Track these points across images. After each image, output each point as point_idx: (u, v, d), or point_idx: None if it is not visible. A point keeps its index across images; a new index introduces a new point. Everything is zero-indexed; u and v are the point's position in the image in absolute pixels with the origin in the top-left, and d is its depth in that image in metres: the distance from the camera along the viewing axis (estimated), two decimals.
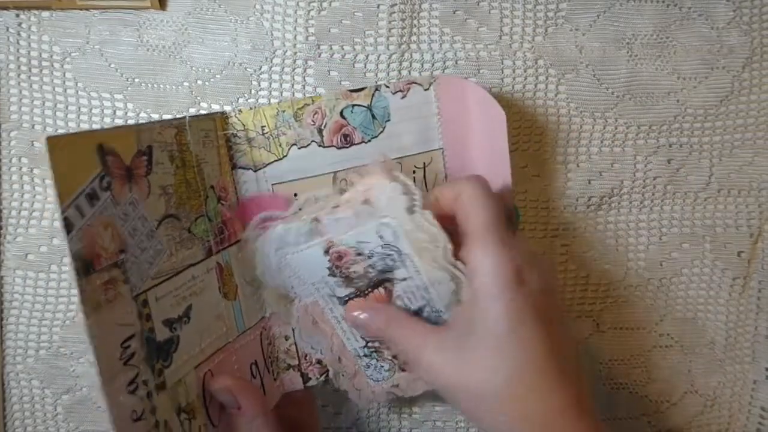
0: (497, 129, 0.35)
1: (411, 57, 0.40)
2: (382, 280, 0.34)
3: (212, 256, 0.32)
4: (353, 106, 0.36)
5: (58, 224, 0.41)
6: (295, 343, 0.37)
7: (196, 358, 0.29)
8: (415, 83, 0.36)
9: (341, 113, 0.35)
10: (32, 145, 0.40)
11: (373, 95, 0.36)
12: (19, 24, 0.40)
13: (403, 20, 0.39)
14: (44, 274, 0.41)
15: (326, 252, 0.34)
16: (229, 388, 0.31)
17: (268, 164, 0.35)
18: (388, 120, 0.36)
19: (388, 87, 0.36)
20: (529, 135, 0.41)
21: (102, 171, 0.24)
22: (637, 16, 0.40)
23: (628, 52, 0.40)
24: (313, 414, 0.39)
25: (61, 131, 0.40)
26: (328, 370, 0.38)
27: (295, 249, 0.34)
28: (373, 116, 0.36)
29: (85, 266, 0.23)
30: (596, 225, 0.42)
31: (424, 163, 0.36)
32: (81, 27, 0.40)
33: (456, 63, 0.40)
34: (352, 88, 0.36)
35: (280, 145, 0.35)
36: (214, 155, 0.33)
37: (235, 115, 0.35)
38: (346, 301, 0.35)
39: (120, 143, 0.26)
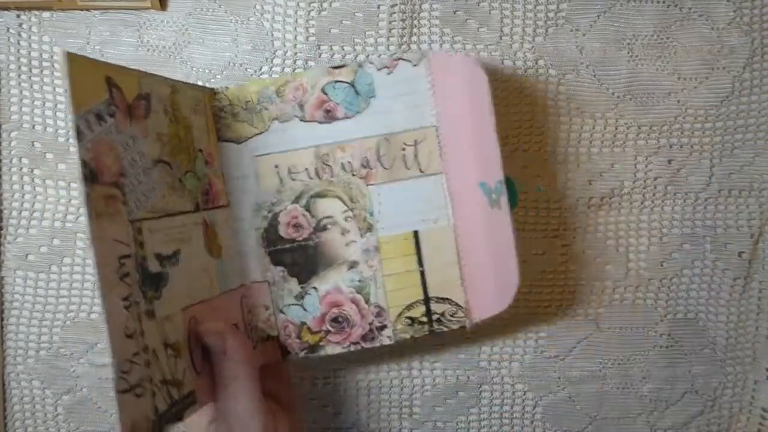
0: (482, 96, 0.34)
1: None
2: None
3: (200, 211, 0.34)
4: (336, 82, 0.36)
5: (58, 224, 0.41)
6: (274, 314, 0.37)
7: (184, 301, 0.31)
8: (403, 59, 0.36)
9: (323, 89, 0.36)
10: (32, 145, 0.40)
11: (356, 72, 0.36)
12: (20, 24, 0.40)
13: (403, 20, 0.39)
14: (44, 274, 0.41)
15: None
16: (220, 330, 0.32)
17: (250, 137, 0.36)
18: (373, 96, 0.36)
19: (372, 63, 0.36)
20: (529, 135, 0.41)
21: (108, 99, 0.28)
22: (638, 17, 0.40)
23: (628, 53, 0.40)
24: (289, 389, 0.39)
25: (61, 131, 0.40)
26: (309, 346, 0.37)
27: None
28: (357, 92, 0.36)
29: (91, 174, 0.26)
30: (596, 225, 0.42)
31: (416, 141, 0.36)
32: (82, 27, 0.40)
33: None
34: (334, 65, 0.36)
35: (262, 120, 0.36)
36: (202, 123, 0.35)
37: (222, 92, 0.36)
38: None
39: (124, 81, 0.29)
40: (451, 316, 0.37)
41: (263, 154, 0.37)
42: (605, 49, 0.40)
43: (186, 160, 0.33)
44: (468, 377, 0.43)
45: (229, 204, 0.37)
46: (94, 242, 0.25)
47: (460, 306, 0.37)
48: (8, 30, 0.40)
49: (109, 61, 0.40)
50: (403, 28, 0.39)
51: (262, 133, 0.37)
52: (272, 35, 0.40)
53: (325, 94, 0.36)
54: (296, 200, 0.37)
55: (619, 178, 0.41)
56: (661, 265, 0.42)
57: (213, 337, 0.32)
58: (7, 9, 0.39)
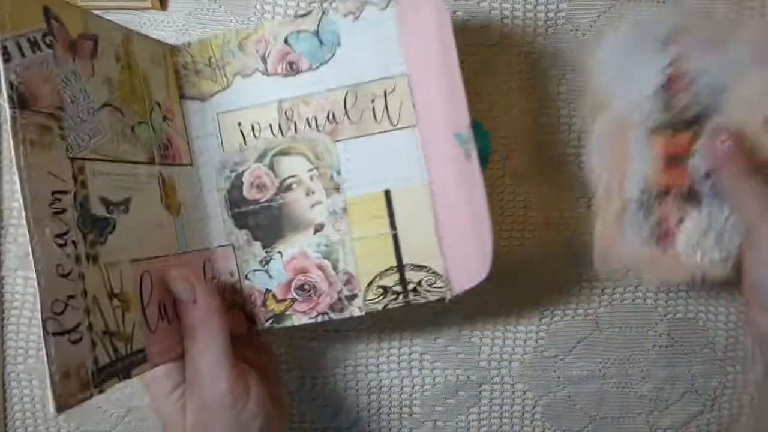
0: (446, 35, 0.31)
1: None
2: (694, 122, 0.34)
3: (155, 165, 0.32)
4: (298, 32, 0.34)
5: None
6: (240, 281, 0.35)
7: (134, 252, 0.30)
8: (370, 3, 0.33)
9: (286, 40, 0.34)
10: None
11: (320, 19, 0.34)
12: None
13: None
14: None
15: (668, 66, 0.34)
16: (188, 277, 0.31)
17: (214, 94, 0.35)
18: (339, 45, 0.34)
19: (337, 10, 0.34)
20: (530, 135, 0.40)
21: (46, 29, 0.27)
22: (637, 16, 0.39)
23: None
24: (266, 357, 0.37)
25: None
26: (274, 315, 0.35)
27: (641, 51, 0.34)
28: (321, 41, 0.34)
29: (21, 99, 0.25)
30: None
31: (385, 91, 0.34)
32: None
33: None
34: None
35: (225, 75, 0.35)
36: (161, 77, 0.34)
37: (184, 48, 0.35)
38: (652, 132, 0.35)
39: (67, 16, 0.28)
40: (429, 285, 0.34)
41: (226, 111, 0.35)
42: None
43: (140, 110, 0.32)
44: (468, 377, 0.43)
45: (193, 163, 0.35)
46: (23, 169, 0.24)
47: (438, 274, 0.34)
48: None
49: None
50: None
51: (225, 89, 0.35)
52: None
53: (288, 45, 0.34)
54: (259, 159, 0.35)
55: None
56: None
57: (181, 282, 0.30)
58: None
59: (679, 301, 0.42)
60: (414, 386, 0.43)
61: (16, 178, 0.24)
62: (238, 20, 0.40)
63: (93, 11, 0.30)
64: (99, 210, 0.28)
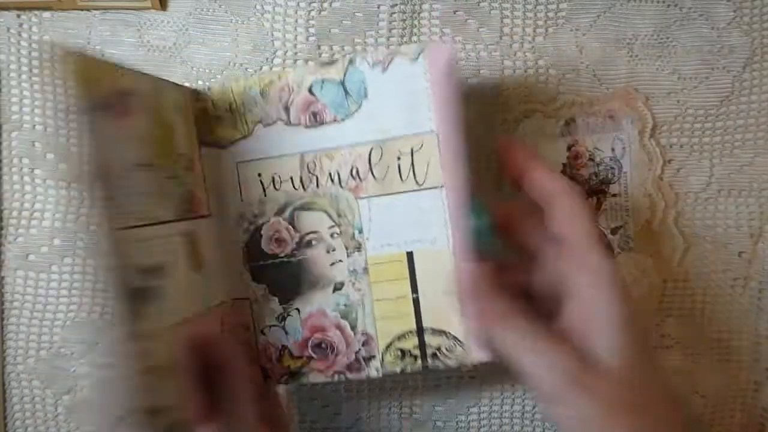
0: (454, 103, 0.30)
1: None
2: (598, 191, 0.39)
3: (181, 221, 0.31)
4: (323, 81, 0.33)
5: (59, 224, 0.41)
6: (256, 336, 0.35)
7: (169, 319, 0.29)
8: (400, 54, 0.32)
9: (310, 89, 0.33)
10: (33, 145, 0.41)
11: (346, 69, 0.33)
12: (20, 24, 0.40)
13: (403, 20, 0.39)
14: (45, 274, 0.41)
15: (569, 149, 0.39)
16: (230, 344, 0.32)
17: (233, 142, 0.34)
18: (365, 97, 0.33)
19: (365, 59, 0.33)
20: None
21: (100, 95, 0.26)
22: (638, 17, 0.40)
23: (628, 53, 0.40)
24: (280, 409, 0.37)
25: (62, 132, 0.40)
26: (288, 372, 0.35)
27: (546, 139, 0.39)
28: (347, 92, 0.33)
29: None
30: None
31: (412, 149, 0.32)
32: (82, 27, 0.40)
33: (456, 63, 0.40)
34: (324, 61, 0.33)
35: (245, 123, 0.34)
36: (183, 126, 0.33)
37: (205, 93, 0.34)
38: None
39: (101, 74, 0.27)
40: (449, 351, 0.33)
41: (246, 161, 0.34)
42: (605, 49, 0.40)
43: (168, 164, 0.31)
44: (468, 377, 0.43)
45: (211, 213, 0.34)
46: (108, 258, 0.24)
47: (459, 341, 0.33)
48: (8, 30, 0.40)
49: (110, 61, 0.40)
50: (404, 28, 0.39)
51: (246, 137, 0.34)
52: (272, 35, 0.40)
53: (312, 94, 0.33)
54: (279, 212, 0.34)
55: None
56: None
57: (224, 348, 0.31)
58: (7, 9, 0.39)
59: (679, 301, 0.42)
60: (414, 386, 0.43)
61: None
62: (238, 20, 0.40)
63: (124, 67, 0.29)
64: (139, 281, 0.27)
